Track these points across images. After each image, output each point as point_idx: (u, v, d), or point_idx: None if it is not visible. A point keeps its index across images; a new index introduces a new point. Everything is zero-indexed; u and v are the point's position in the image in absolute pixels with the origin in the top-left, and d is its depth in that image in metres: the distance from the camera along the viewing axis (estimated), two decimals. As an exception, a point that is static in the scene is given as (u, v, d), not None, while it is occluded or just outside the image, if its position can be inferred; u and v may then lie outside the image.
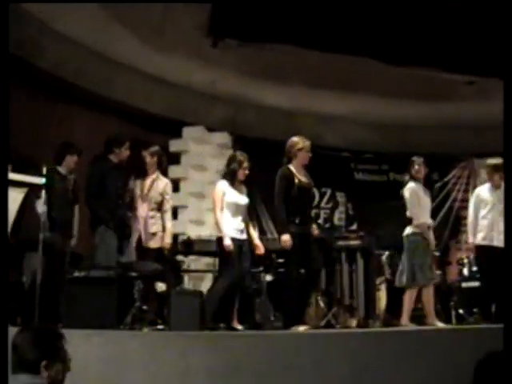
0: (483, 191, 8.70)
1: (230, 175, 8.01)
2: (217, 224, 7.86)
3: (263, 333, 6.86)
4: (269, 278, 9.28)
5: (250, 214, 12.21)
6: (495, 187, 8.60)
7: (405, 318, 8.04)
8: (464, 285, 10.16)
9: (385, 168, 14.03)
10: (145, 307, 7.78)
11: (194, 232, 11.02)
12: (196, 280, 11.08)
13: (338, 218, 13.32)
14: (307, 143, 7.99)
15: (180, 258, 10.04)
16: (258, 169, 12.66)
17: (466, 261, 10.80)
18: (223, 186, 7.94)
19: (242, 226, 7.95)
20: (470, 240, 8.64)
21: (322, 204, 13.05)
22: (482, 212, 8.53)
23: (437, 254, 9.42)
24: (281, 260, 9.37)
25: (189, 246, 9.38)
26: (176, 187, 11.74)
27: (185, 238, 9.85)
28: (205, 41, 11.09)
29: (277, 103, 12.95)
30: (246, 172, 8.09)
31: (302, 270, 7.72)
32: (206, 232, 11.45)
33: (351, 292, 9.01)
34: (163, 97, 12.01)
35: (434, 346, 6.07)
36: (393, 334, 7.05)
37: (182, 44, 11.21)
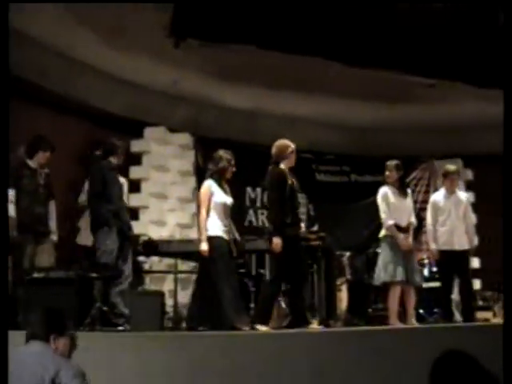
0: (438, 198, 8.85)
1: (218, 174, 7.88)
2: (199, 225, 7.77)
3: (223, 333, 6.84)
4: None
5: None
6: (450, 193, 8.75)
7: (392, 318, 8.16)
8: (424, 285, 10.23)
9: (346, 169, 14.09)
10: (105, 308, 7.74)
11: (155, 233, 10.99)
12: (157, 281, 11.05)
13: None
14: (294, 146, 8.01)
15: (141, 258, 10.01)
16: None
17: (426, 261, 10.91)
18: (211, 186, 7.81)
19: (228, 226, 7.90)
20: (432, 247, 8.75)
21: (284, 205, 13.04)
22: (440, 219, 8.68)
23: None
24: (241, 260, 9.38)
25: (150, 247, 9.33)
26: (137, 188, 11.70)
27: (146, 238, 9.79)
28: (167, 41, 11.06)
29: (239, 104, 12.95)
30: (234, 170, 8.00)
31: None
32: (167, 233, 11.44)
33: (312, 292, 9.03)
34: (125, 97, 11.94)
35: (394, 346, 6.12)
36: (353, 333, 7.09)
37: (144, 44, 11.16)
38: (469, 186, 12.86)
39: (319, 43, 11.04)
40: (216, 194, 7.75)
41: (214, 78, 12.26)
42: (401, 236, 8.22)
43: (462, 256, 8.62)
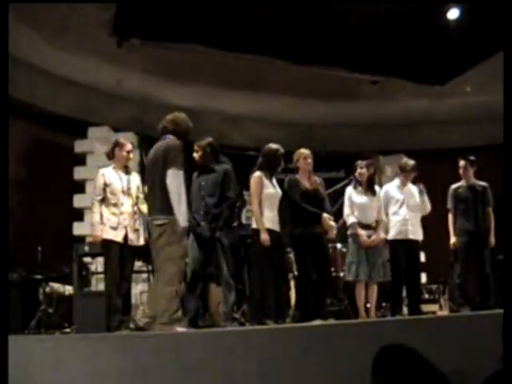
0: (391, 188, 8.90)
1: (270, 167, 8.14)
2: (256, 217, 7.82)
3: (170, 333, 6.80)
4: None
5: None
6: (403, 184, 8.84)
7: (360, 312, 8.27)
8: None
9: (291, 166, 14.13)
10: (50, 310, 7.66)
11: (101, 233, 10.86)
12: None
13: (246, 216, 13.34)
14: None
15: (87, 259, 9.90)
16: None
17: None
18: (262, 177, 7.91)
19: (276, 217, 8.06)
20: (381, 236, 8.65)
21: (230, 203, 13.03)
22: (393, 208, 8.72)
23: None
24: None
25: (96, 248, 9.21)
26: (82, 188, 11.59)
27: (91, 240, 9.66)
28: (110, 40, 11.00)
29: (182, 103, 12.90)
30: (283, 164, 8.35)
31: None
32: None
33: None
34: (68, 97, 11.86)
35: (341, 341, 6.15)
36: (301, 329, 7.10)
37: (87, 44, 11.10)
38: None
39: (264, 42, 11.08)
40: (266, 186, 7.86)
41: (158, 77, 12.24)
42: (363, 234, 8.29)
43: (414, 247, 8.72)
